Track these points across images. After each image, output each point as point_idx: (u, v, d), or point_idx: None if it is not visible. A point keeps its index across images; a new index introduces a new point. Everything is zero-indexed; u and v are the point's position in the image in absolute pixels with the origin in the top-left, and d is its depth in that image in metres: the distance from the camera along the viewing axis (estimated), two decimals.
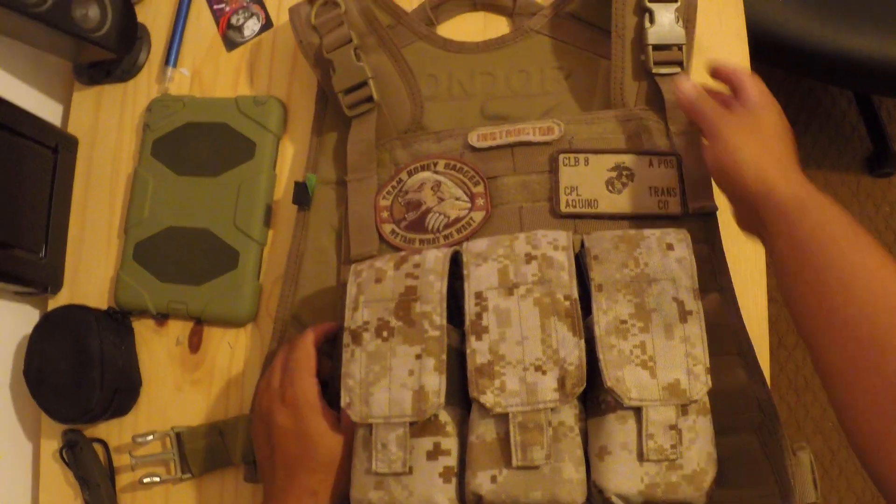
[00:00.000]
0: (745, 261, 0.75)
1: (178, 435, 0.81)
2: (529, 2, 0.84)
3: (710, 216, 0.74)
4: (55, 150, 0.90)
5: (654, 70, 0.76)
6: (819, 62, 1.15)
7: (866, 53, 1.13)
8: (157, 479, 0.81)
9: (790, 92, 1.84)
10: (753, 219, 0.67)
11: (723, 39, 0.82)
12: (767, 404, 0.69)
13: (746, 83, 0.70)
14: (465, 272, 0.64)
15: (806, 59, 1.15)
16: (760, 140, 0.66)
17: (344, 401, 0.63)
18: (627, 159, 0.75)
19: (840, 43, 1.13)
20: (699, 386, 0.59)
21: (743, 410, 0.69)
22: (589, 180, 0.74)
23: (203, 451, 0.80)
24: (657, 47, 0.76)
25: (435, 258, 0.65)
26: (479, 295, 0.63)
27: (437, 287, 0.63)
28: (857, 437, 0.55)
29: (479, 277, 0.64)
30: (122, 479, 0.84)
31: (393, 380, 0.62)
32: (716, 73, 0.73)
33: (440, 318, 0.62)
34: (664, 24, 0.76)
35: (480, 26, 0.87)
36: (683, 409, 0.59)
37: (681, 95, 0.71)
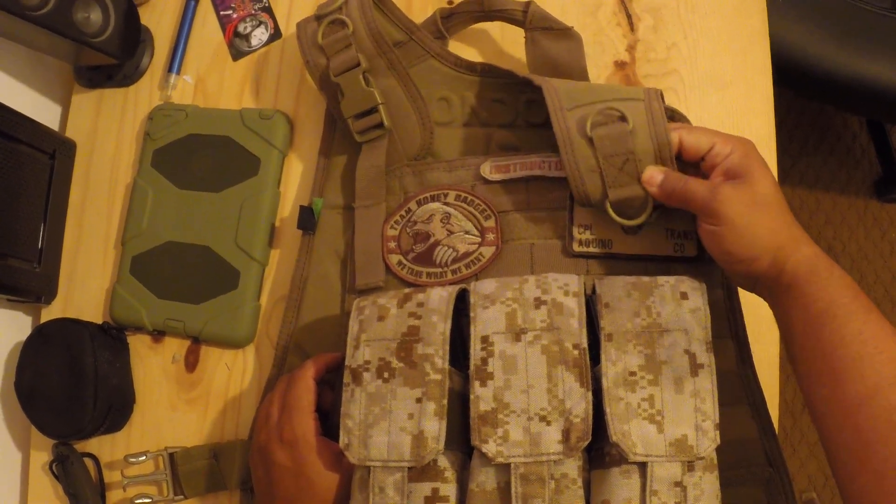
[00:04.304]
0: (759, 306, 0.73)
1: (171, 455, 0.80)
2: (543, 15, 0.81)
3: None
4: (52, 155, 0.87)
5: None
6: (835, 88, 1.13)
7: (883, 81, 1.11)
8: (149, 501, 0.79)
9: (801, 111, 1.81)
10: (757, 286, 0.65)
11: (747, 76, 0.80)
12: (777, 458, 0.68)
13: (730, 148, 0.65)
14: (471, 314, 0.63)
15: (822, 84, 1.13)
16: (764, 210, 0.62)
17: (342, 442, 0.61)
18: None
19: (856, 70, 1.11)
20: (707, 442, 0.57)
21: (751, 464, 0.68)
22: (604, 219, 0.72)
23: (196, 474, 0.79)
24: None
25: (439, 298, 0.63)
26: (485, 339, 0.61)
27: (440, 328, 0.62)
28: None
29: (486, 321, 0.62)
30: (113, 496, 0.83)
31: (392, 423, 0.60)
32: (693, 150, 0.67)
33: (442, 360, 0.60)
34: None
35: (497, 36, 0.85)
36: (689, 466, 0.57)
37: (653, 190, 0.66)
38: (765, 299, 0.65)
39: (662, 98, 0.69)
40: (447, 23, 0.82)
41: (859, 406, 0.55)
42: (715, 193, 0.63)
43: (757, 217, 0.62)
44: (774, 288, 0.62)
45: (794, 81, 1.13)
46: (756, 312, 0.72)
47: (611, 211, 0.69)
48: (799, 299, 0.60)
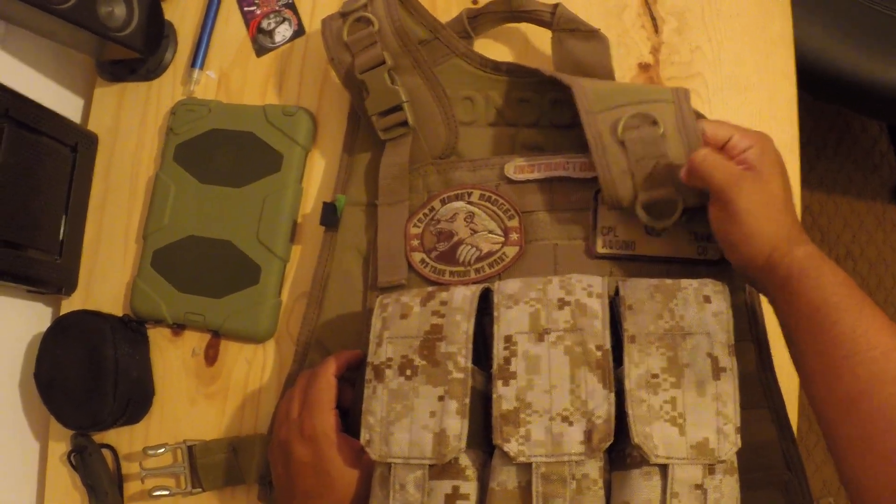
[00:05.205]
0: None
1: (190, 448, 0.80)
2: (570, 17, 0.81)
3: None
4: (74, 148, 0.88)
5: None
6: (855, 92, 1.12)
7: None
8: (167, 493, 0.80)
9: (819, 114, 1.80)
10: (755, 281, 0.66)
11: (770, 79, 0.80)
12: (796, 462, 0.68)
13: (748, 143, 0.65)
14: (495, 314, 0.63)
15: (841, 88, 1.13)
16: (769, 208, 0.63)
17: (363, 438, 0.61)
18: None
19: (877, 74, 1.10)
20: (728, 446, 0.57)
21: (770, 467, 0.68)
22: (628, 221, 0.72)
23: (215, 467, 0.80)
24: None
25: (463, 297, 0.64)
26: (508, 339, 0.61)
27: (463, 327, 0.62)
28: None
29: (510, 321, 0.62)
30: (130, 488, 0.84)
31: (414, 420, 0.60)
32: (711, 140, 0.67)
33: (465, 359, 0.61)
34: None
35: (522, 39, 0.85)
36: (710, 469, 0.57)
37: (690, 164, 0.66)
38: (765, 297, 0.66)
39: (689, 98, 0.69)
40: (473, 23, 0.83)
41: (854, 404, 0.56)
42: (734, 182, 0.63)
43: (763, 216, 0.63)
44: (769, 286, 0.64)
45: (812, 85, 1.13)
46: (774, 316, 0.73)
47: (641, 213, 0.69)
48: (792, 299, 0.61)
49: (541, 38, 0.84)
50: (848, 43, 1.12)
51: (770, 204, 0.63)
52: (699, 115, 0.73)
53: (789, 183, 0.65)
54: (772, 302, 0.64)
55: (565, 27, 0.78)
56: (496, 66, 0.79)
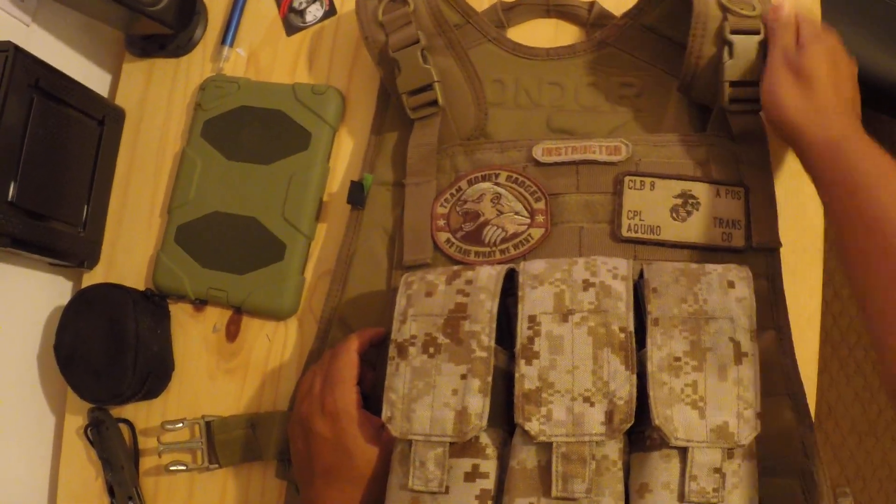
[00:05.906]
0: (801, 299, 0.74)
1: (208, 424, 0.80)
2: (605, 13, 0.82)
3: (773, 252, 0.72)
4: (101, 122, 0.88)
5: (728, 107, 0.72)
6: (886, 97, 1.12)
7: None
8: (183, 468, 0.80)
9: None
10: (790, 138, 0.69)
11: None
12: (812, 450, 0.68)
13: (801, 27, 0.71)
14: (520, 294, 0.63)
15: (872, 92, 1.12)
16: (803, 83, 0.67)
17: (385, 415, 0.62)
18: (694, 187, 0.73)
19: None
20: (748, 430, 0.57)
21: (787, 454, 0.68)
22: (653, 206, 0.72)
23: (233, 443, 0.80)
24: (734, 84, 0.72)
25: (488, 276, 0.64)
26: (532, 318, 0.62)
27: (487, 306, 0.62)
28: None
29: (534, 300, 0.62)
30: (146, 462, 0.84)
31: (436, 398, 0.61)
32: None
33: (489, 338, 0.61)
34: (745, 59, 0.72)
35: (551, 34, 0.85)
36: (729, 453, 0.57)
37: (772, 12, 0.72)
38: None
39: None
40: (508, 14, 0.84)
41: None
42: (783, 45, 0.70)
43: (788, 79, 0.68)
44: (797, 150, 0.68)
45: None
46: (798, 304, 0.73)
47: (728, 37, 0.71)
48: (820, 168, 0.65)
49: (572, 32, 0.85)
50: (877, 45, 1.11)
51: (806, 75, 0.68)
52: None
53: (845, 74, 0.70)
54: (807, 171, 0.67)
55: (599, 24, 0.79)
56: (531, 52, 0.80)
